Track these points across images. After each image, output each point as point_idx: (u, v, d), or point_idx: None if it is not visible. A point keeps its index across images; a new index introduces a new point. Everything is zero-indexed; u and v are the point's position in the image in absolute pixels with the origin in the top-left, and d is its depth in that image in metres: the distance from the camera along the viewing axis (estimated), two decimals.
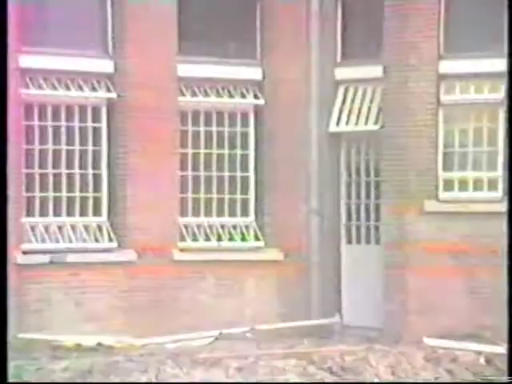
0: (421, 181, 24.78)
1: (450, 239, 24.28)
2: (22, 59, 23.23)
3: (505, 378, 8.86)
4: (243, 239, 25.68)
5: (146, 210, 24.42)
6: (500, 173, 24.69)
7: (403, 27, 25.01)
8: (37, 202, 23.89)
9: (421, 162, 24.74)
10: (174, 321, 23.64)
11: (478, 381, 9.23)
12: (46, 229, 23.76)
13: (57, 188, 24.08)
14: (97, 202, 24.49)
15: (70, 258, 23.42)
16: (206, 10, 25.27)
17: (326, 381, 19.35)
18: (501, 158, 24.77)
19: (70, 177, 24.17)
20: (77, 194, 24.20)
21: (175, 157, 24.86)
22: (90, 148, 24.37)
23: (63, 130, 24.17)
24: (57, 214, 24.12)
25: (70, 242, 23.95)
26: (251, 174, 25.88)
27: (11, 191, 21.95)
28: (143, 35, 24.47)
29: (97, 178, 24.52)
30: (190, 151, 25.23)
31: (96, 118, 24.67)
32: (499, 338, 22.21)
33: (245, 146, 25.91)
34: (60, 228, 23.96)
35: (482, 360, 20.77)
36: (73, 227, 24.14)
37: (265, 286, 25.29)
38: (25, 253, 23.10)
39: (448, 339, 22.40)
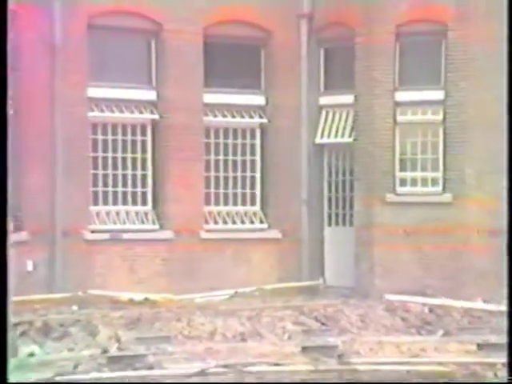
0: (383, 179, 25.26)
1: (404, 222, 24.81)
2: (89, 90, 23.96)
3: (505, 378, 8.91)
4: (252, 223, 26.19)
5: (180, 201, 24.97)
6: (440, 174, 25.28)
7: (369, 66, 25.42)
8: (100, 195, 24.53)
9: (383, 166, 25.22)
10: (201, 282, 24.09)
11: (478, 381, 9.28)
12: (107, 214, 24.48)
13: (114, 184, 24.69)
14: (144, 195, 25.08)
15: (125, 236, 24.33)
16: (224, 55, 25.69)
17: (313, 328, 19.79)
18: (441, 163, 25.32)
19: (124, 176, 24.78)
20: (129, 189, 24.84)
21: (201, 162, 25.31)
22: (139, 155, 24.95)
23: (119, 142, 24.81)
24: (114, 203, 24.73)
25: (125, 224, 24.65)
26: (258, 174, 26.29)
27: (82, 187, 24.10)
28: (178, 72, 24.87)
29: (144, 177, 25.07)
30: (212, 157, 25.69)
31: (144, 133, 25.19)
32: (438, 294, 23.15)
33: (253, 153, 26.24)
34: (117, 214, 24.68)
35: (426, 310, 21.70)
36: (127, 213, 24.79)
37: (268, 258, 25.76)
38: (92, 232, 23.99)
39: (402, 295, 22.83)
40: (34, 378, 14.24)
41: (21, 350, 17.02)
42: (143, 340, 17.71)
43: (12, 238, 23.08)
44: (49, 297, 22.47)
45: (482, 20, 24.63)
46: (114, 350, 16.65)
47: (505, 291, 22.56)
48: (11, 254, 22.58)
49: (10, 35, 14.95)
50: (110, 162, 24.83)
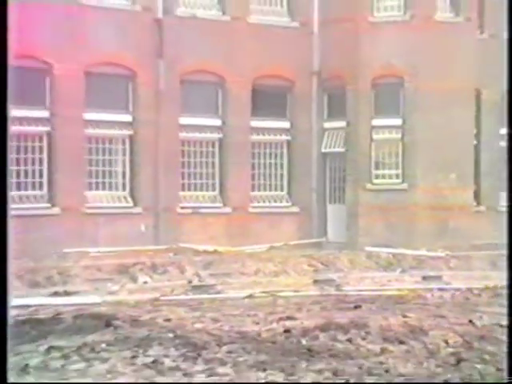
0: (364, 175, 25.18)
1: (377, 202, 24.80)
2: (180, 119, 23.93)
3: (505, 378, 7.10)
4: (280, 202, 25.89)
5: (235, 189, 24.91)
6: (400, 171, 25.24)
7: (355, 103, 25.15)
8: (186, 185, 24.42)
9: (364, 166, 25.16)
10: (249, 240, 23.86)
11: (478, 381, 7.38)
12: (191, 197, 24.41)
13: (195, 178, 24.60)
14: (213, 185, 24.93)
15: (201, 210, 24.30)
16: (263, 96, 25.12)
17: (320, 268, 19.85)
18: (400, 165, 25.30)
19: (200, 173, 24.68)
20: (204, 181, 24.73)
21: (249, 164, 25.16)
22: (211, 160, 24.77)
23: (198, 152, 24.72)
24: (195, 190, 24.60)
25: (201, 203, 24.55)
26: (285, 172, 25.95)
27: (175, 180, 24.05)
28: (237, 107, 24.65)
29: (213, 174, 24.85)
30: (256, 161, 25.45)
31: (214, 147, 24.98)
32: (398, 246, 22.92)
33: (281, 158, 25.94)
34: (197, 197, 24.55)
35: (390, 256, 21.66)
36: (203, 196, 24.70)
37: (290, 224, 25.51)
38: (181, 208, 23.98)
39: (376, 247, 22.97)
40: (147, 297, 14.22)
41: (139, 279, 17.62)
42: (214, 275, 17.99)
43: (132, 210, 23.96)
44: (155, 248, 22.48)
45: (427, 75, 24.50)
46: (195, 282, 16.94)
47: (440, 244, 23.31)
48: (131, 222, 23.39)
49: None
50: (193, 164, 24.63)
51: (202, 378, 7.49)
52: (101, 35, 22.64)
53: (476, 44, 25.76)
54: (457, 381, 7.53)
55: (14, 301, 13.10)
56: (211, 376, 7.51)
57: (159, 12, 23.76)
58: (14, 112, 21.02)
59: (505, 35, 26.69)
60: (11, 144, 20.45)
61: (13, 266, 18.31)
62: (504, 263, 20.70)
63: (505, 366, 7.99)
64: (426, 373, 7.74)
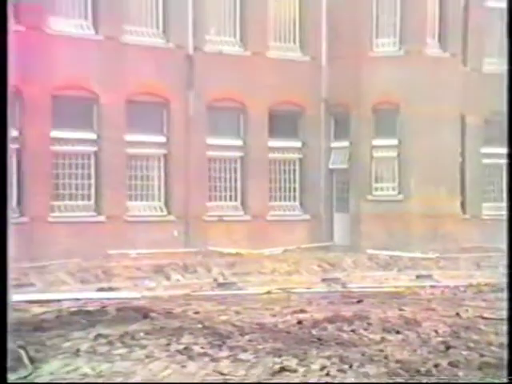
0: (365, 187, 25.09)
1: (377, 211, 24.61)
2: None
3: (505, 378, 6.66)
4: (294, 211, 25.69)
5: (255, 200, 24.74)
6: (396, 184, 25.11)
7: (358, 126, 25.13)
8: (212, 197, 24.33)
9: (365, 180, 25.06)
10: (266, 243, 23.62)
11: (478, 381, 6.92)
12: (216, 207, 24.30)
13: (220, 190, 24.51)
14: (236, 196, 24.75)
15: (226, 218, 24.24)
16: (279, 120, 25.11)
17: (327, 268, 19.72)
18: (396, 179, 25.11)
19: (225, 187, 24.54)
20: (227, 193, 24.64)
21: (266, 178, 24.95)
22: (234, 175, 24.69)
23: (223, 169, 24.55)
24: (220, 201, 24.56)
25: (225, 212, 24.49)
26: (297, 185, 25.73)
27: (203, 193, 23.84)
28: (257, 130, 24.65)
29: (236, 187, 24.72)
30: (272, 176, 25.25)
31: (236, 164, 24.87)
32: (395, 249, 22.70)
33: (293, 173, 25.75)
34: (221, 207, 24.51)
35: (388, 258, 21.57)
36: (226, 206, 24.72)
37: (302, 230, 25.33)
38: (208, 216, 23.92)
39: (376, 250, 22.64)
40: (179, 293, 14.01)
41: (172, 277, 17.61)
42: (236, 274, 17.89)
43: (166, 218, 23.96)
44: (185, 250, 22.30)
45: (419, 103, 24.38)
46: (220, 280, 16.84)
47: (432, 247, 23.21)
48: (165, 228, 23.37)
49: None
50: (218, 179, 24.53)
51: (226, 362, 7.46)
52: (140, 69, 22.75)
53: (460, 76, 25.75)
54: (445, 365, 7.46)
55: (66, 294, 13.21)
56: (234, 362, 7.48)
57: (190, 49, 23.82)
58: (66, 134, 21.22)
59: (484, 68, 27.04)
60: (64, 162, 19.98)
61: (66, 266, 18.46)
62: (487, 264, 20.81)
63: (488, 353, 8.07)
64: (420, 359, 7.71)
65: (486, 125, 27.19)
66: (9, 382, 4.45)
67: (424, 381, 5.98)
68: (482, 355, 7.93)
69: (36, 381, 6.87)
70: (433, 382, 6.07)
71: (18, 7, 20.83)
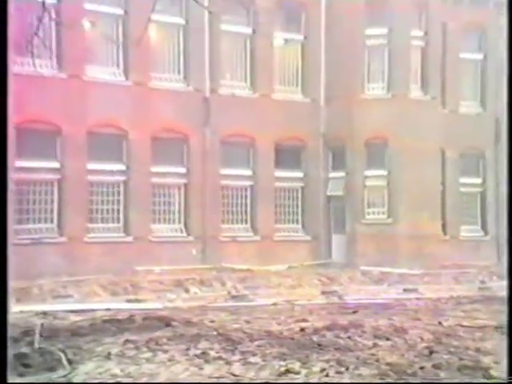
0: (359, 212, 24.86)
1: (370, 233, 24.35)
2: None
3: (505, 378, 6.31)
4: (297, 232, 25.44)
5: (263, 223, 24.65)
6: (386, 209, 24.92)
7: (352, 159, 24.89)
8: (225, 220, 24.10)
9: (359, 205, 24.84)
10: (273, 261, 23.28)
11: (478, 381, 6.85)
12: (229, 229, 24.12)
13: (234, 214, 24.37)
14: (246, 219, 24.54)
15: (238, 239, 24.09)
16: (281, 154, 24.96)
17: (326, 283, 19.30)
18: (386, 205, 24.93)
19: (237, 211, 24.37)
20: (239, 216, 24.47)
21: (273, 204, 24.81)
22: (245, 201, 24.50)
23: (235, 196, 24.39)
24: (232, 223, 24.38)
25: (237, 233, 24.27)
26: (299, 210, 25.49)
27: (217, 217, 23.60)
28: (265, 162, 24.58)
29: (246, 212, 24.54)
30: (278, 202, 25.01)
31: (246, 191, 24.62)
32: (385, 266, 22.45)
33: (296, 200, 25.51)
34: (233, 229, 24.31)
35: (379, 273, 21.36)
36: (238, 229, 24.49)
37: (304, 249, 25.09)
38: (223, 237, 23.73)
39: (369, 267, 22.56)
40: (197, 304, 13.92)
41: (191, 290, 17.43)
42: (247, 288, 17.55)
43: (186, 239, 23.88)
44: (202, 267, 22.19)
45: (405, 138, 24.26)
46: (233, 293, 16.63)
47: (417, 264, 23.01)
48: (185, 247, 23.30)
49: None
50: (231, 204, 24.37)
51: (238, 365, 7.46)
52: (164, 110, 22.78)
53: (439, 116, 25.67)
54: (429, 367, 7.44)
55: (99, 305, 13.18)
56: (245, 364, 7.48)
57: (207, 92, 23.82)
58: (101, 166, 21.17)
59: (460, 110, 27.11)
60: (98, 190, 19.64)
61: (99, 280, 18.32)
62: (465, 279, 20.64)
63: (466, 357, 8.05)
64: (407, 362, 7.71)
65: (462, 158, 27.38)
66: (9, 382, 4.11)
67: (424, 381, 5.75)
68: (461, 359, 7.94)
69: (73, 381, 6.84)
70: (433, 382, 5.78)
71: (60, 58, 21.14)
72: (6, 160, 4.05)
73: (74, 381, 6.80)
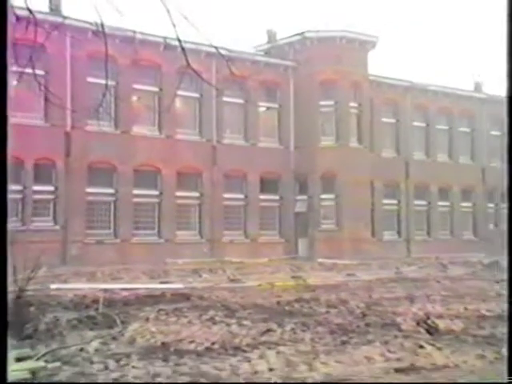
0: (317, 223, 24.25)
1: (324, 237, 23.99)
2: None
3: (505, 378, 3.67)
4: (275, 237, 24.62)
5: (251, 230, 24.09)
6: (335, 221, 24.38)
7: (313, 187, 24.54)
8: (227, 228, 23.44)
9: (316, 218, 24.30)
10: (258, 255, 22.47)
11: (479, 381, 4.83)
12: (229, 234, 23.48)
13: (232, 224, 23.72)
14: (241, 228, 23.91)
15: (234, 241, 23.58)
16: (266, 182, 24.60)
17: (295, 270, 18.34)
18: (335, 219, 24.44)
19: (234, 222, 23.86)
20: (236, 225, 23.85)
21: (258, 217, 24.14)
22: (239, 215, 24.04)
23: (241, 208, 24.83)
24: (232, 230, 23.71)
25: (234, 237, 23.61)
26: (277, 221, 24.72)
27: (220, 225, 22.83)
28: (252, 188, 24.05)
29: (240, 222, 23.87)
30: (262, 216, 24.32)
31: (240, 208, 24.04)
32: (335, 258, 21.70)
33: (274, 214, 24.86)
34: (232, 234, 23.69)
35: (331, 264, 20.26)
36: (235, 234, 23.82)
37: (280, 248, 24.51)
38: (224, 239, 23.21)
39: (324, 259, 21.86)
40: (207, 285, 13.28)
41: (203, 276, 16.58)
42: (241, 274, 16.64)
43: (200, 241, 22.76)
44: (210, 260, 21.60)
45: (348, 173, 24.06)
46: (231, 277, 15.86)
47: (356, 257, 21.89)
48: (199, 247, 23.00)
49: None
50: (231, 217, 23.82)
51: (235, 326, 7.24)
52: (185, 154, 22.73)
53: (369, 158, 25.57)
54: (363, 326, 7.24)
55: (141, 285, 12.90)
56: (240, 326, 7.27)
57: (214, 142, 23.70)
58: (142, 191, 20.78)
59: (382, 154, 26.81)
60: (141, 208, 19.22)
61: (141, 268, 17.95)
62: (387, 266, 20.31)
63: (386, 318, 7.90)
64: (348, 322, 7.54)
65: (385, 187, 27.31)
66: (9, 382, 3.42)
67: (424, 381, 4.70)
68: (382, 319, 7.88)
69: (125, 334, 6.61)
70: (433, 382, 4.65)
71: (116, 120, 21.17)
72: (5, 160, 3.26)
73: (125, 334, 6.58)
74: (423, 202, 28.38)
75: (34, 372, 4.33)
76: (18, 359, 4.63)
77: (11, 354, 4.77)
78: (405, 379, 4.55)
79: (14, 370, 4.36)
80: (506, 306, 9.00)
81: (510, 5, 3.25)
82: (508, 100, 3.24)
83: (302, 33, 24.27)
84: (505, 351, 3.75)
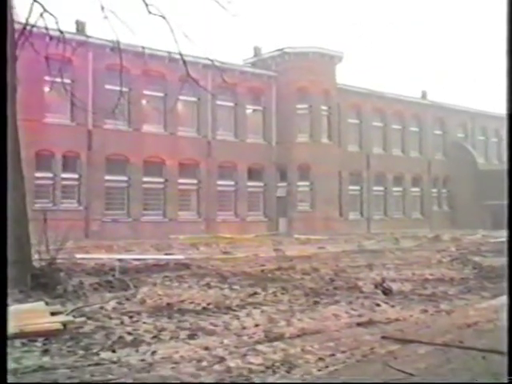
0: (294, 205, 23.95)
1: (300, 217, 23.69)
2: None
3: (505, 378, 2.50)
4: (259, 216, 24.24)
5: (240, 211, 23.49)
6: (309, 203, 24.05)
7: (292, 175, 24.36)
8: (220, 209, 23.30)
9: (294, 202, 24.01)
10: (245, 232, 22.09)
11: (479, 381, 3.02)
12: (222, 214, 23.10)
13: (225, 206, 23.26)
14: (231, 209, 23.42)
15: (227, 220, 23.07)
16: (253, 171, 24.23)
17: (276, 244, 17.57)
18: (309, 202, 24.10)
19: (227, 204, 23.37)
20: (227, 207, 23.38)
21: (246, 201, 23.69)
22: (230, 198, 23.83)
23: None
24: (224, 211, 23.34)
25: (226, 217, 23.32)
26: (261, 204, 24.34)
27: (214, 207, 22.34)
28: (242, 176, 23.64)
29: (231, 204, 23.54)
30: (249, 199, 24.02)
31: (231, 193, 23.82)
32: (310, 234, 21.07)
33: (259, 198, 24.36)
34: (225, 214, 23.40)
35: (306, 238, 19.64)
36: (227, 214, 23.47)
37: (264, 226, 23.99)
38: (218, 219, 22.89)
39: (301, 235, 21.01)
40: (203, 256, 12.66)
41: (200, 249, 15.72)
42: (232, 247, 15.85)
43: (198, 220, 22.48)
44: (207, 236, 20.59)
45: (320, 165, 23.72)
46: (224, 250, 14.40)
47: (326, 233, 21.45)
48: (197, 225, 22.20)
49: None
50: (224, 200, 23.35)
51: (227, 290, 7.10)
52: (186, 148, 22.51)
53: (337, 152, 25.45)
54: (331, 289, 7.13)
55: (150, 256, 12.65)
56: (231, 290, 7.14)
57: (209, 138, 23.45)
58: (150, 179, 20.31)
59: (348, 149, 26.50)
60: (149, 192, 18.62)
61: (149, 242, 17.69)
62: (350, 241, 20.22)
63: (350, 282, 7.79)
64: (319, 286, 7.43)
65: (350, 176, 27.22)
66: (9, 382, 2.96)
67: (424, 381, 3.88)
68: (347, 283, 7.81)
69: (137, 296, 6.49)
70: (430, 382, 3.76)
71: (129, 120, 20.86)
72: (5, 160, 2.97)
73: (137, 296, 6.49)
74: (381, 188, 28.48)
75: (65, 324, 4.44)
76: (52, 313, 4.72)
77: (47, 309, 4.84)
78: (365, 331, 4.57)
79: (50, 322, 4.44)
80: (444, 271, 8.98)
81: (511, 5, 2.83)
82: (508, 100, 2.93)
83: (282, 49, 24.41)
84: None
